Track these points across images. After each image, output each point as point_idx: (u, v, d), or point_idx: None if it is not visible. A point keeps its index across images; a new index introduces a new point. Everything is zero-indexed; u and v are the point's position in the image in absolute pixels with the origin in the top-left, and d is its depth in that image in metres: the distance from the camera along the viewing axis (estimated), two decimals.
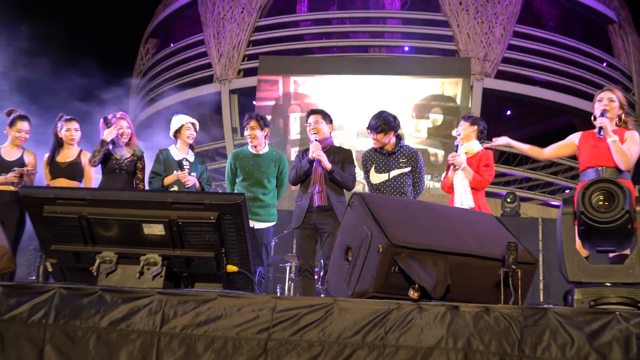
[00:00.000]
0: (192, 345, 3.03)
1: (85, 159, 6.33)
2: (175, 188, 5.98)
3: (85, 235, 3.53)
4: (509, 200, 12.81)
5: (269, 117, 22.02)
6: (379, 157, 5.87)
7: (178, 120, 6.29)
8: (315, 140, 5.80)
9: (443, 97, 22.00)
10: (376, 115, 5.86)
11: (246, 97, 24.35)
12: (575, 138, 5.35)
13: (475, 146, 5.87)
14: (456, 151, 5.76)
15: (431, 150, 20.20)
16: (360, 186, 14.81)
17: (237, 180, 6.15)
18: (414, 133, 20.93)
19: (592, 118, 5.15)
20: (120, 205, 3.48)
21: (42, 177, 6.41)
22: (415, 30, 25.25)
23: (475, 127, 5.94)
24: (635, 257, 3.24)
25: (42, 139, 6.83)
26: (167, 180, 6.06)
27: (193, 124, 6.29)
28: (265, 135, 6.23)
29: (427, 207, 4.06)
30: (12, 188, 6.14)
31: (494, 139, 5.71)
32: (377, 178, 5.83)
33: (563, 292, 3.62)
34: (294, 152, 20.72)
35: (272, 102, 22.46)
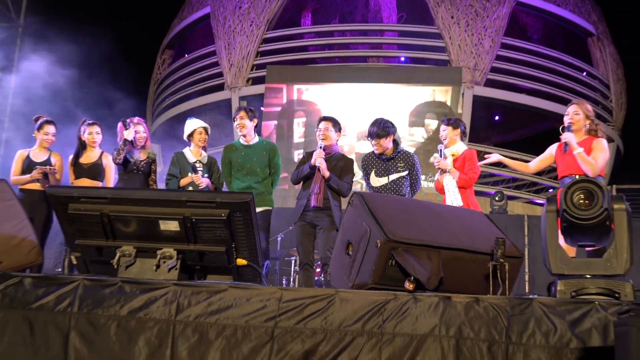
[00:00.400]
0: (204, 332, 3.04)
1: (106, 160, 6.35)
2: (191, 188, 5.97)
3: (106, 231, 3.53)
4: (497, 198, 12.80)
5: (274, 122, 22.12)
6: (378, 162, 5.86)
7: (191, 125, 6.28)
8: (321, 147, 5.79)
9: (435, 103, 22.02)
10: (373, 123, 5.85)
11: (254, 103, 24.34)
12: (552, 149, 5.39)
13: (461, 148, 5.86)
14: (441, 156, 5.75)
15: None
16: (358, 186, 14.79)
17: (232, 172, 6.13)
18: (408, 137, 20.93)
19: (560, 129, 5.17)
20: (138, 203, 3.49)
21: (68, 177, 6.42)
22: (411, 42, 25.20)
23: (458, 129, 5.95)
24: (613, 251, 3.24)
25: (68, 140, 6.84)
26: (183, 182, 6.06)
27: (205, 128, 6.28)
28: (255, 126, 6.21)
29: (422, 205, 4.06)
30: (40, 187, 6.16)
31: (486, 156, 5.70)
32: (377, 181, 5.83)
33: (547, 284, 3.61)
34: (297, 155, 20.72)
35: (278, 108, 22.47)
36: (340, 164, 5.87)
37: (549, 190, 25.77)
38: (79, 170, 6.31)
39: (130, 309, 3.15)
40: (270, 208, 6.07)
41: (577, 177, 4.85)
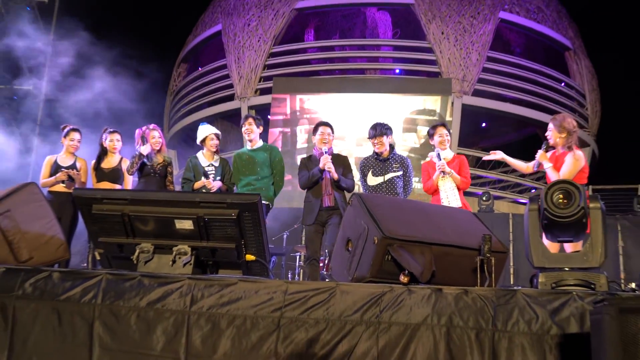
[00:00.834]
0: (216, 322, 3.04)
1: (124, 165, 6.35)
2: (204, 190, 5.97)
3: (127, 229, 3.54)
4: (484, 198, 12.81)
5: (280, 129, 22.14)
6: (375, 163, 5.88)
7: (203, 131, 6.27)
8: (325, 152, 5.80)
9: (426, 111, 22.08)
10: (373, 126, 5.91)
11: (262, 112, 24.36)
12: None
13: (449, 153, 5.86)
14: (439, 159, 5.73)
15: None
16: (356, 187, 14.80)
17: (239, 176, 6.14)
18: (401, 142, 20.95)
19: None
20: (156, 204, 3.49)
21: (91, 181, 6.45)
22: (405, 55, 25.22)
23: (450, 135, 5.96)
24: (589, 246, 3.24)
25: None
26: (196, 185, 6.04)
27: (216, 134, 6.28)
28: (260, 133, 6.23)
29: (415, 205, 4.05)
30: (65, 189, 6.17)
31: (491, 152, 5.71)
32: (374, 180, 5.84)
33: (530, 276, 3.61)
34: (299, 159, 20.74)
35: (283, 117, 22.51)
36: (339, 162, 5.93)
37: (531, 190, 25.78)
38: (101, 174, 6.33)
39: (148, 300, 3.15)
40: (265, 202, 5.97)
41: None
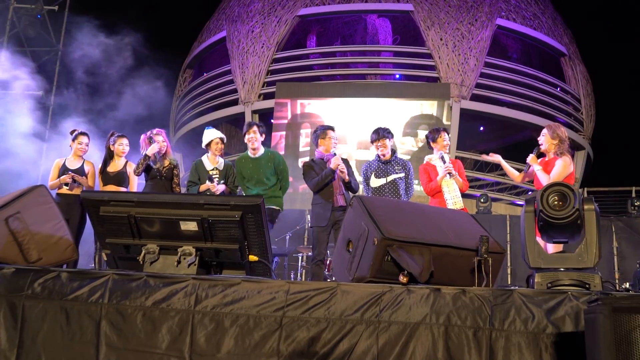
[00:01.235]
0: (220, 321, 3.04)
1: (130, 168, 6.35)
2: (208, 193, 5.97)
3: (133, 231, 3.54)
4: (482, 200, 12.77)
5: (283, 133, 22.16)
6: (378, 165, 5.91)
7: (209, 135, 6.26)
8: (335, 154, 5.79)
9: (424, 116, 22.10)
10: (375, 130, 5.95)
11: (265, 116, 24.35)
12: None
13: (447, 157, 5.86)
14: (444, 161, 5.71)
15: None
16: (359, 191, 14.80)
17: (243, 182, 6.12)
18: (400, 146, 20.95)
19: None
20: (161, 206, 3.50)
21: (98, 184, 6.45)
22: (405, 61, 25.22)
23: (449, 140, 5.97)
24: (584, 247, 3.24)
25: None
26: (201, 188, 6.03)
27: (221, 138, 6.27)
28: (262, 140, 6.22)
29: (414, 206, 4.05)
30: (75, 192, 6.17)
31: (490, 154, 5.75)
32: (376, 182, 5.86)
33: (526, 276, 3.61)
34: (301, 162, 20.76)
35: (286, 121, 22.53)
36: (346, 165, 5.91)
37: (528, 192, 25.75)
38: (107, 177, 6.32)
39: (154, 300, 3.15)
40: (277, 208, 6.05)
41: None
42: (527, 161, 5.32)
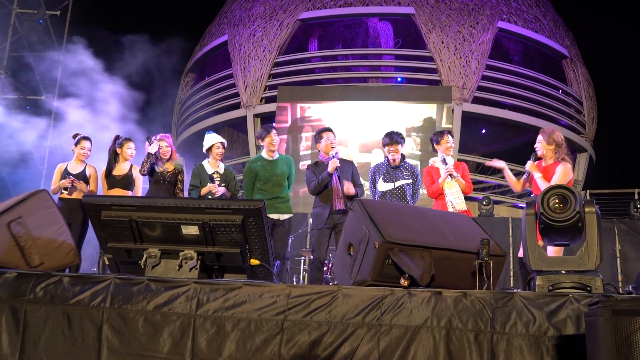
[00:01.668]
0: (222, 325, 3.04)
1: (135, 172, 6.37)
2: (209, 197, 5.98)
3: (134, 235, 3.54)
4: (484, 203, 12.77)
5: (284, 137, 22.17)
6: (387, 170, 5.91)
7: (210, 140, 6.29)
8: (333, 156, 5.79)
9: (425, 118, 22.08)
10: (389, 134, 5.95)
11: (267, 120, 24.36)
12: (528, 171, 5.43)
13: (451, 160, 5.85)
14: (445, 164, 5.72)
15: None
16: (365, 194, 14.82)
17: (256, 184, 6.09)
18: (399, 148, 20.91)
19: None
20: (163, 210, 3.50)
21: (101, 188, 6.46)
22: (406, 64, 25.23)
23: (453, 142, 5.96)
24: (585, 250, 3.24)
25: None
26: (203, 191, 6.06)
27: (222, 143, 6.30)
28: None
29: (414, 209, 4.05)
30: (75, 196, 6.17)
31: (494, 160, 5.76)
32: (384, 186, 5.86)
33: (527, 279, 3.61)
34: (300, 165, 20.77)
35: (287, 125, 22.54)
36: (347, 167, 5.95)
37: (530, 195, 25.72)
38: (112, 181, 6.32)
39: (155, 304, 3.15)
40: (291, 215, 6.12)
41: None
42: (526, 168, 5.29)
